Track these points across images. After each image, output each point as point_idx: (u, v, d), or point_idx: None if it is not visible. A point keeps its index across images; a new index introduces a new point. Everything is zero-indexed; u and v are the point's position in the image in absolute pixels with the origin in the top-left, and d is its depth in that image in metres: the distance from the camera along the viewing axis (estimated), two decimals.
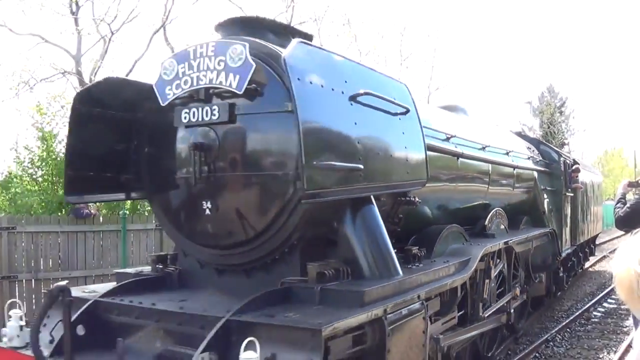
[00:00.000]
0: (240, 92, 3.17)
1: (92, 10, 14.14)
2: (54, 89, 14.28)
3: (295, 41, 2.96)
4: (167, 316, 3.06)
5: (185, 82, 3.38)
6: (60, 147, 10.00)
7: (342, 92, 3.18)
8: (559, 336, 7.69)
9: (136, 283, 3.60)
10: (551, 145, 9.49)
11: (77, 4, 14.15)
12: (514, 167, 6.84)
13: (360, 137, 3.24)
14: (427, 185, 4.13)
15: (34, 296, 7.77)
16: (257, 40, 3.41)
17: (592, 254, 14.08)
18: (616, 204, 4.92)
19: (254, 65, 3.13)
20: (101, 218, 8.63)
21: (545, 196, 8.02)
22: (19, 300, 3.56)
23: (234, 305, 2.96)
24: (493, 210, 6.17)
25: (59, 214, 8.99)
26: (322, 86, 3.01)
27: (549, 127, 42.35)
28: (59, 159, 9.62)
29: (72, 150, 3.68)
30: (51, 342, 3.34)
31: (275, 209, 3.25)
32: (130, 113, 3.85)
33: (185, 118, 3.40)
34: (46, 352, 3.20)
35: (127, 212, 8.41)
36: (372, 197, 3.57)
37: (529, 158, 7.66)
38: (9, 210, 9.40)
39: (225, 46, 3.25)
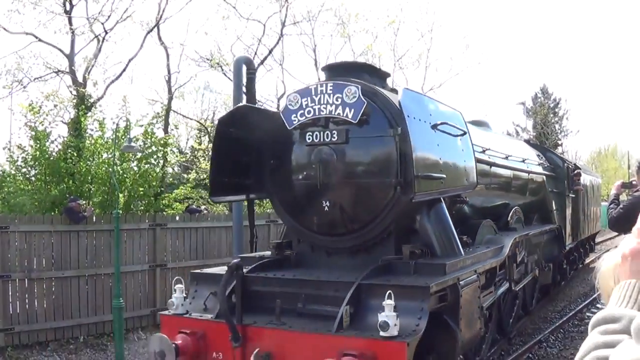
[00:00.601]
0: (355, 122, 4.57)
1: (85, 10, 14.66)
2: (47, 88, 14.22)
3: (402, 88, 4.39)
4: (308, 284, 4.44)
5: (309, 112, 4.76)
6: (53, 147, 10.30)
7: (430, 123, 4.61)
8: (552, 337, 8.07)
9: (264, 263, 4.97)
10: (556, 153, 11.04)
11: (70, 3, 14.25)
12: (529, 173, 8.36)
13: (440, 155, 4.68)
14: None
15: (27, 296, 7.96)
16: (361, 81, 4.81)
17: (592, 250, 15.72)
18: (609, 205, 5.18)
19: (366, 103, 4.54)
20: (94, 218, 8.76)
21: (551, 197, 9.56)
22: (181, 278, 4.86)
23: (354, 275, 4.36)
24: (513, 209, 7.67)
25: (52, 213, 9.20)
26: (419, 120, 4.44)
27: (542, 128, 44.27)
28: (51, 158, 9.99)
29: (214, 162, 5.04)
30: (205, 309, 4.68)
31: (379, 207, 4.66)
32: (253, 132, 5.21)
33: (309, 139, 4.79)
34: (209, 316, 4.54)
35: (120, 212, 8.55)
36: (441, 197, 5.02)
37: (539, 164, 9.21)
38: (2, 209, 9.62)
39: (342, 87, 4.64)
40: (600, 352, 0.95)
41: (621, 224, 4.81)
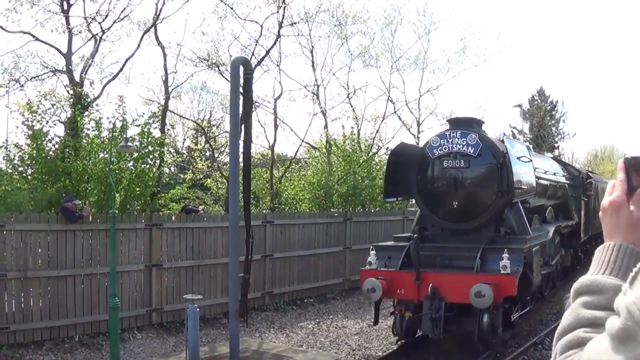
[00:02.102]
0: (475, 156, 8.70)
1: (83, 9, 15.46)
2: (44, 87, 14.76)
3: (504, 137, 8.56)
4: (451, 249, 8.54)
5: (445, 148, 8.87)
6: (50, 146, 10.93)
7: (516, 156, 8.78)
8: (548, 339, 9.01)
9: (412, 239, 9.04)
10: (573, 165, 15.28)
11: (68, 2, 15.16)
12: (557, 182, 12.62)
13: (522, 174, 8.86)
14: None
15: (22, 295, 8.41)
16: (475, 130, 8.93)
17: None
18: None
19: (482, 145, 8.68)
20: (90, 217, 9.29)
21: (571, 200, 13.87)
22: (374, 245, 8.92)
23: (473, 245, 8.46)
24: (548, 208, 11.92)
25: (49, 212, 9.73)
26: (512, 155, 8.61)
27: (539, 131, 48.63)
28: (48, 157, 10.64)
29: (386, 176, 9.15)
30: (385, 265, 8.71)
31: (486, 205, 8.79)
32: (405, 159, 9.30)
33: (445, 164, 8.90)
34: (393, 269, 8.56)
35: (116, 211, 8.73)
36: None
37: (563, 176, 13.50)
38: None
39: (466, 134, 8.77)
40: (585, 333, 1.00)
41: None
